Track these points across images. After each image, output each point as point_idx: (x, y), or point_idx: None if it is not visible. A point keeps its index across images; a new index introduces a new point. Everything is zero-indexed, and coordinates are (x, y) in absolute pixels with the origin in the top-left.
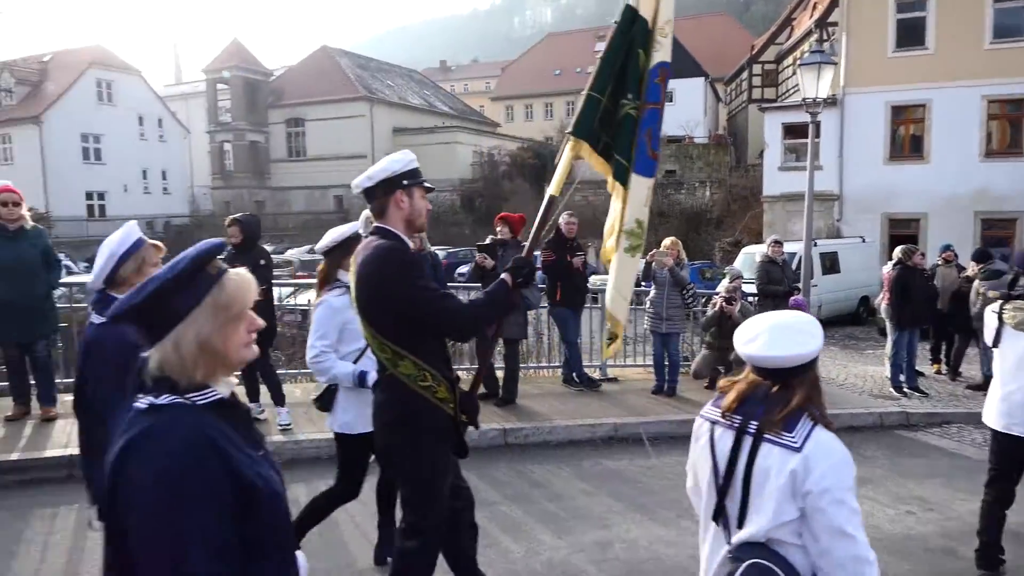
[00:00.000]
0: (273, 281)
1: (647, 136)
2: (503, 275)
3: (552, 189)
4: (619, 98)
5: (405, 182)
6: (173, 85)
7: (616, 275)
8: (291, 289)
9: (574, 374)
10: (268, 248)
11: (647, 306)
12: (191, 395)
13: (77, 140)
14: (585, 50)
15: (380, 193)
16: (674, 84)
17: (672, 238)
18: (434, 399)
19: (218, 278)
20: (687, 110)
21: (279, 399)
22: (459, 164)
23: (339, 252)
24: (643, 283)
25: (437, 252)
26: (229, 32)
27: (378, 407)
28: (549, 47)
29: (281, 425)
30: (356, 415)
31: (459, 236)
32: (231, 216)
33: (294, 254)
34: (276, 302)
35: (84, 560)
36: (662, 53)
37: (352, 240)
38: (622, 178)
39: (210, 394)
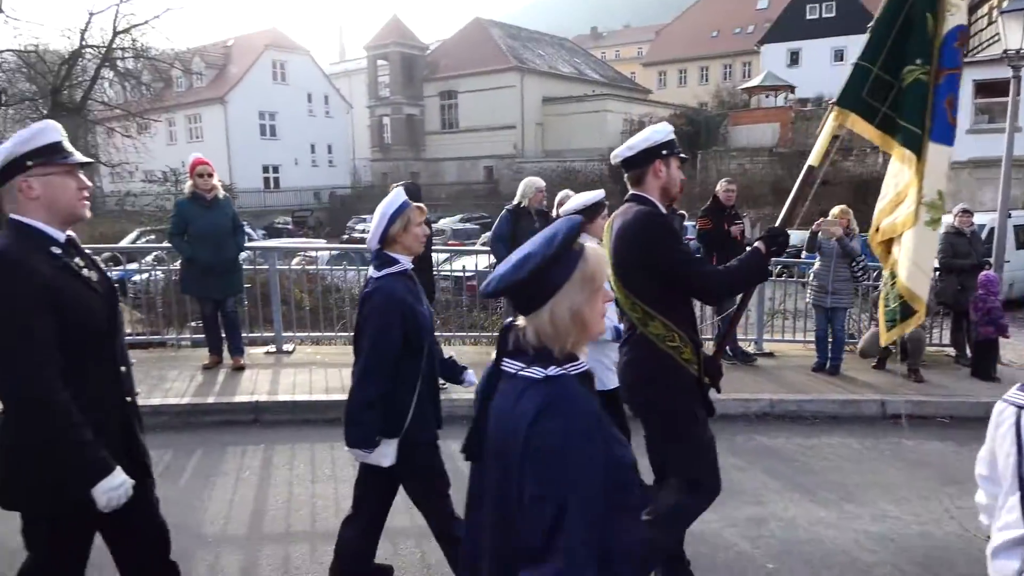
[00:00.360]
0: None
1: (947, 103)
2: (756, 243)
3: (811, 159)
4: (902, 65)
5: (664, 152)
6: (338, 63)
7: (915, 248)
8: (446, 256)
9: (727, 347)
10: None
11: (810, 278)
12: (567, 366)
13: (255, 118)
14: (745, 10)
15: (639, 162)
16: (845, 40)
17: (842, 206)
18: (680, 359)
19: (581, 252)
20: None
21: None
22: (608, 133)
23: (584, 216)
24: (805, 254)
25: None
26: (389, 9)
27: (626, 365)
28: (706, 8)
29: None
30: (603, 372)
31: None
32: (394, 184)
33: (446, 223)
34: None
35: (269, 495)
36: (959, 16)
37: (598, 206)
38: (914, 146)
39: (580, 365)
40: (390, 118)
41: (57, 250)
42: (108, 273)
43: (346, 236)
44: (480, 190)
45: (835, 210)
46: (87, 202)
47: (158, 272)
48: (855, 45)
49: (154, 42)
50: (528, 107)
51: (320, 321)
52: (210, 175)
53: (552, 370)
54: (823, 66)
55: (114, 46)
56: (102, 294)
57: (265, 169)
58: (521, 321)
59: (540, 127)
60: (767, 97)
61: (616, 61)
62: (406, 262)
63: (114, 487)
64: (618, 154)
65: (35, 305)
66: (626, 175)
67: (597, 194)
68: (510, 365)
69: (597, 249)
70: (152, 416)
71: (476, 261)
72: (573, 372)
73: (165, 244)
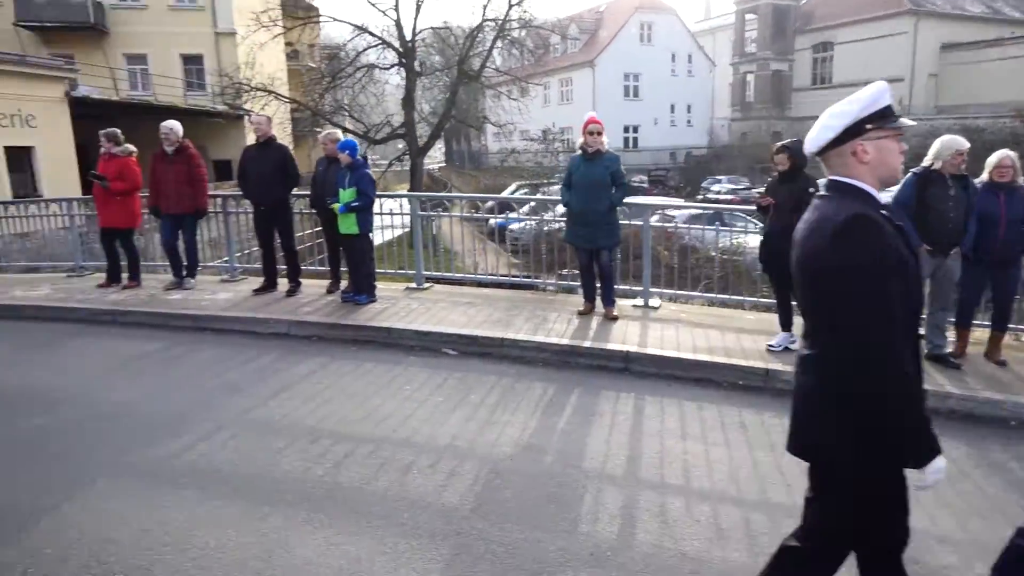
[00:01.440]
0: None
1: None
2: None
3: None
4: None
5: None
6: (702, 20)
7: None
8: None
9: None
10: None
11: None
12: None
13: (620, 79)
14: None
15: None
16: None
17: None
18: None
19: None
20: None
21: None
22: None
23: None
24: None
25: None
26: None
27: None
28: None
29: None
30: None
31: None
32: (779, 143)
33: None
34: None
35: (642, 443)
36: None
37: None
38: None
39: None
40: (754, 75)
41: (886, 213)
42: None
43: (700, 196)
44: None
45: None
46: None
47: (531, 222)
48: None
49: (538, 11)
50: (921, 56)
51: (675, 280)
52: (599, 133)
53: None
54: None
55: (508, 18)
56: (917, 262)
57: (626, 129)
58: None
59: (934, 79)
60: None
61: None
62: None
63: (940, 468)
64: None
65: (892, 269)
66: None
67: None
68: None
69: None
70: (536, 352)
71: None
72: None
73: (539, 196)
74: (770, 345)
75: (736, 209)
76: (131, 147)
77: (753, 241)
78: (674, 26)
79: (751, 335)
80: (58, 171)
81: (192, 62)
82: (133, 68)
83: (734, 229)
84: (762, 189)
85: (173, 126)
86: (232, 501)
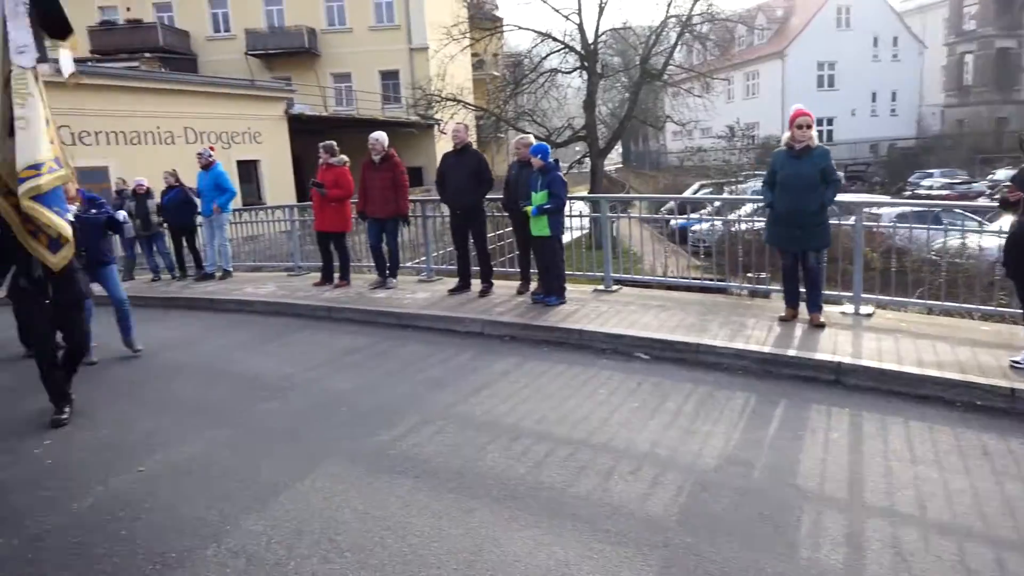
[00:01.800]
0: None
1: None
2: None
3: None
4: None
5: None
6: None
7: None
8: None
9: None
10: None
11: None
12: None
13: (813, 69)
14: None
15: None
16: None
17: None
18: None
19: None
20: None
21: None
22: None
23: None
24: None
25: None
26: None
27: None
28: None
29: None
30: None
31: None
32: None
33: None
34: None
35: (864, 465)
36: None
37: None
38: None
39: None
40: (974, 55)
41: None
42: None
43: (908, 193)
44: None
45: None
46: None
47: (716, 222)
48: None
49: (724, 3)
50: None
51: (891, 285)
52: (808, 126)
53: None
54: None
55: (692, 13)
56: None
57: (819, 122)
58: None
59: None
60: None
61: None
62: None
63: None
64: None
65: None
66: None
67: None
68: None
69: None
70: (735, 359)
71: None
72: None
73: (725, 196)
74: (1015, 361)
75: (961, 206)
76: (345, 157)
77: (984, 242)
78: (877, 7)
79: (988, 349)
80: (278, 181)
81: (389, 77)
82: (339, 85)
83: (966, 228)
84: (988, 181)
85: (380, 137)
86: (442, 493)
